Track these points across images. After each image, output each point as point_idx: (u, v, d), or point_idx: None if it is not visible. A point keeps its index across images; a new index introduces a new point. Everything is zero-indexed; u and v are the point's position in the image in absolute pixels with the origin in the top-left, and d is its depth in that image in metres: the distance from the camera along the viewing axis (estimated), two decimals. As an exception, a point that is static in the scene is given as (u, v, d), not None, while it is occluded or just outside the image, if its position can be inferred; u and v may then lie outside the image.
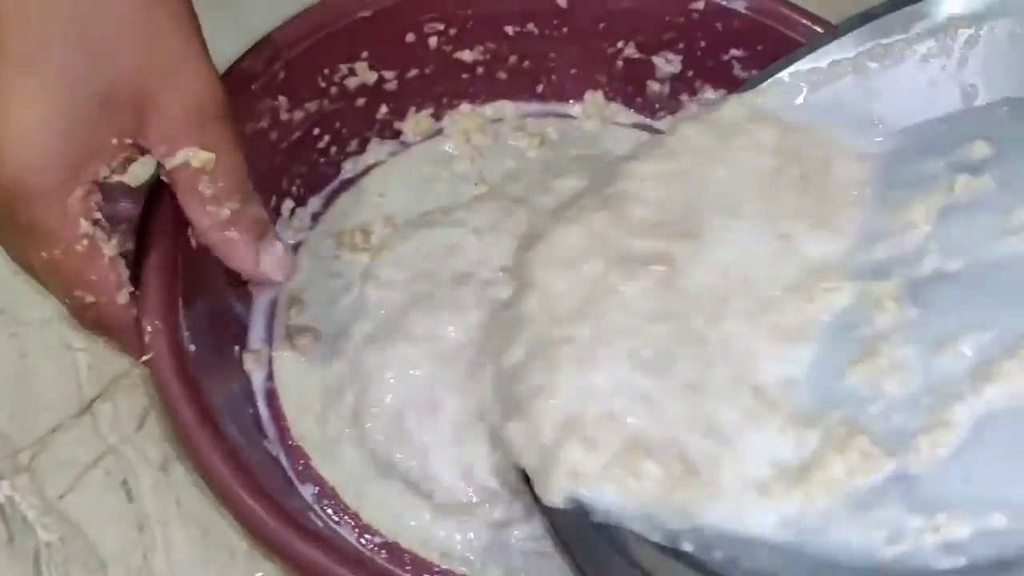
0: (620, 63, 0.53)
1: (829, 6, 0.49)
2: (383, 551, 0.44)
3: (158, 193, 0.43)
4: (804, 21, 0.49)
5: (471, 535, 0.44)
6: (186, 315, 0.42)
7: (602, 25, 0.51)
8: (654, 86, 0.53)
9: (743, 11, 0.50)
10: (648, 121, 0.54)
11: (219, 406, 0.41)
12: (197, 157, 0.38)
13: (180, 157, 0.38)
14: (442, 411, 0.43)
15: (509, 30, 0.52)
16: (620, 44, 0.52)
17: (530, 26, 0.52)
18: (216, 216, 0.40)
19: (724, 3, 0.50)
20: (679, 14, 0.51)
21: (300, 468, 0.45)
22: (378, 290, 0.46)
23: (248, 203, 0.40)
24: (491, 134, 0.53)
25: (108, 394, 0.48)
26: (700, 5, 0.50)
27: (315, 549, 0.37)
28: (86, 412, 0.48)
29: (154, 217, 0.42)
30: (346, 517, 0.44)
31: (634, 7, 0.51)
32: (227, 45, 0.46)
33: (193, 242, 0.43)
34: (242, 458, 0.39)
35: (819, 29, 0.47)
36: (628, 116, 0.55)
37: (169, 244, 0.42)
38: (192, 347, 0.41)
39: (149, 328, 0.40)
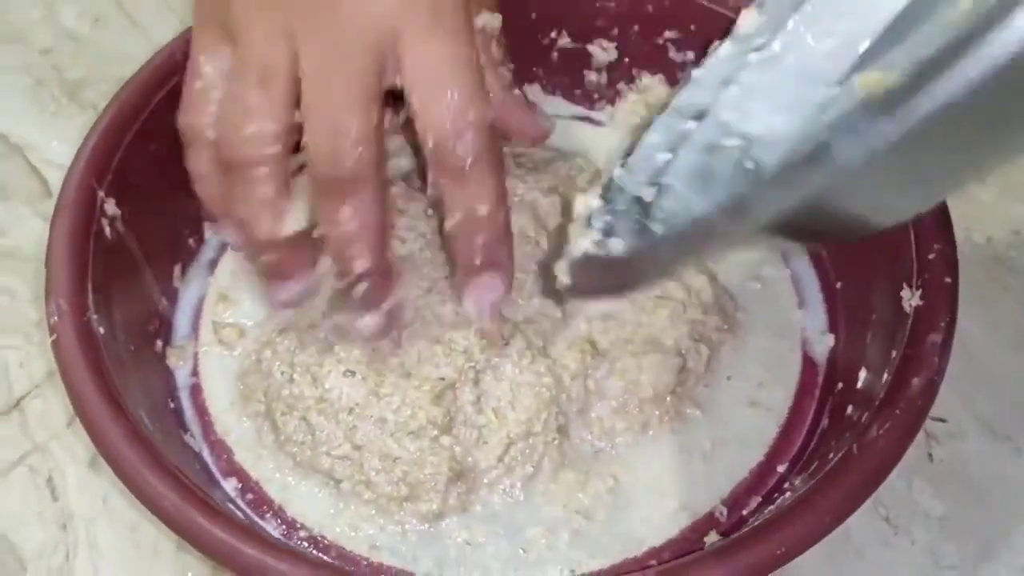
0: (555, 54, 0.52)
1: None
2: (309, 545, 0.41)
3: (69, 180, 0.42)
4: (732, -5, 0.47)
5: (401, 527, 0.41)
6: (97, 301, 0.40)
7: (534, 15, 0.50)
8: (591, 76, 0.52)
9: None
10: (588, 112, 0.53)
11: (131, 393, 0.39)
12: (494, 18, 0.42)
13: (481, 21, 0.41)
14: (365, 405, 0.41)
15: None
16: (553, 34, 0.51)
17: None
18: (506, 77, 0.44)
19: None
20: (609, -1, 0.50)
21: (223, 463, 0.43)
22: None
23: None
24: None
25: (39, 391, 0.47)
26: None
27: (214, 525, 0.35)
28: (14, 409, 0.46)
29: (63, 204, 0.42)
30: (270, 512, 0.42)
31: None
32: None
33: (108, 231, 0.42)
34: (146, 436, 0.37)
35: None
36: (568, 108, 0.53)
37: (79, 227, 0.41)
38: (101, 330, 0.40)
39: (54, 308, 0.39)
